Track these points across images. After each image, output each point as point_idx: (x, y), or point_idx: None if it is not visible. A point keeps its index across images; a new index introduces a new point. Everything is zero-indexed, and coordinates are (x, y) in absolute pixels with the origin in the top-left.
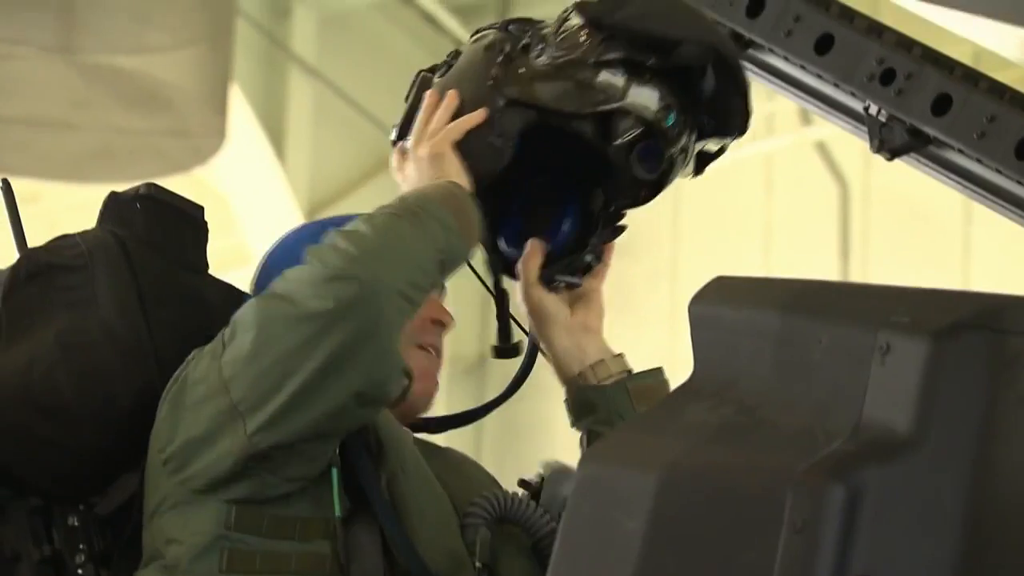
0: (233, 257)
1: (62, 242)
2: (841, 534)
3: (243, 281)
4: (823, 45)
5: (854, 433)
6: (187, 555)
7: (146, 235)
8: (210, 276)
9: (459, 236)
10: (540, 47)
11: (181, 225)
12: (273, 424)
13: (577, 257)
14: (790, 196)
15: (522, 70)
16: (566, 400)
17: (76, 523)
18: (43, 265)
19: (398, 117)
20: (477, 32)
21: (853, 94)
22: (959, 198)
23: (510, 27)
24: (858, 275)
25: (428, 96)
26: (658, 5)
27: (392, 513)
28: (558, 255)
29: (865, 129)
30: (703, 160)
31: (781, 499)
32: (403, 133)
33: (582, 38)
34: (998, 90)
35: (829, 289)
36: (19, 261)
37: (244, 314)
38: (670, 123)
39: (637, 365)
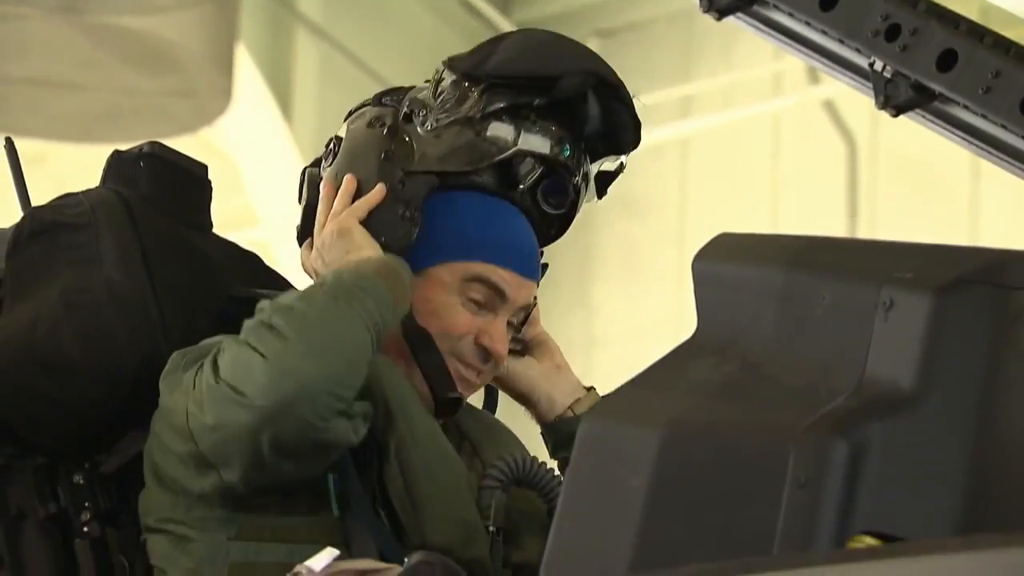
0: (239, 217)
1: (65, 200)
2: (844, 489)
3: (249, 241)
4: (828, 1)
5: (857, 389)
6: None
7: (149, 193)
8: (214, 235)
9: (393, 309)
10: (422, 113)
11: (185, 183)
12: (245, 477)
13: None
14: (797, 155)
15: (409, 139)
16: (543, 434)
17: (81, 481)
18: (47, 223)
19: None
20: (350, 114)
21: (858, 50)
22: (967, 155)
23: (384, 100)
24: (866, 233)
25: (323, 187)
26: (526, 45)
27: (378, 521)
28: None
29: (870, 85)
30: (603, 181)
31: (784, 455)
32: (304, 233)
33: (461, 94)
34: (1003, 45)
35: (832, 245)
36: (23, 220)
37: (201, 388)
38: (567, 154)
39: (646, 324)
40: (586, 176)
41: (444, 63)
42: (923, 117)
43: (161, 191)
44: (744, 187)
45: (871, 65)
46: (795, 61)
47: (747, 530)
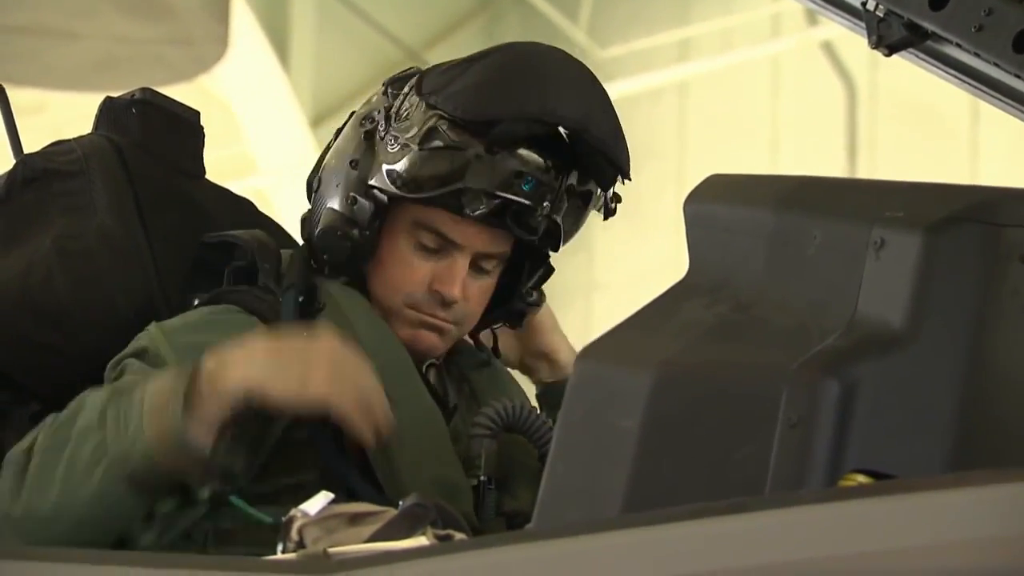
0: (237, 166)
1: (58, 148)
2: (836, 428)
3: (248, 189)
4: None
5: (848, 328)
6: None
7: (142, 140)
8: (207, 181)
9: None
10: (387, 125)
11: (177, 130)
12: None
13: (512, 307)
14: (797, 97)
15: (375, 150)
16: (538, 396)
17: None
18: (39, 171)
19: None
20: (382, 85)
21: None
22: (966, 96)
23: (390, 88)
24: (865, 175)
25: (329, 165)
26: (483, 79)
27: (363, 485)
28: (491, 311)
29: (863, 25)
30: (607, 202)
31: (776, 395)
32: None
33: (420, 116)
34: None
35: (823, 185)
36: (15, 167)
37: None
38: (528, 188)
39: (646, 269)
40: (574, 194)
41: (416, 75)
42: (917, 56)
43: (153, 137)
44: (743, 130)
45: (864, 4)
46: (793, 3)
47: (739, 470)
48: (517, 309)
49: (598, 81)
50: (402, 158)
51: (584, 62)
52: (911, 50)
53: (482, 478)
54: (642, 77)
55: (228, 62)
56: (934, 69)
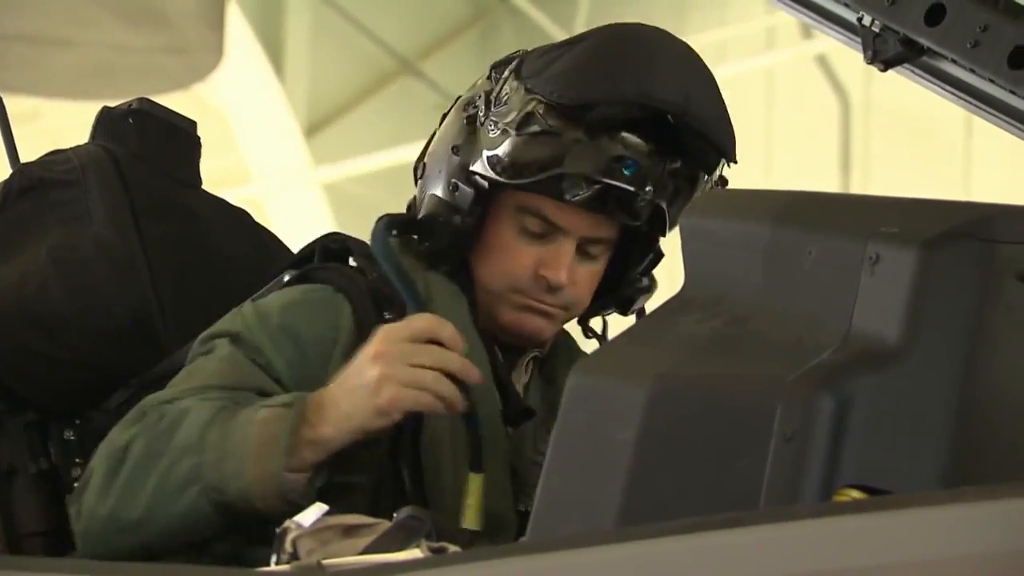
0: (232, 174)
1: (54, 157)
2: (830, 443)
3: (242, 198)
4: None
5: (843, 343)
6: None
7: (138, 150)
8: (203, 191)
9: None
10: (487, 110)
11: (174, 139)
12: None
13: (621, 293)
14: (791, 110)
15: (476, 135)
16: None
17: (72, 437)
18: (36, 180)
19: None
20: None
21: (847, 5)
22: (960, 110)
23: (494, 73)
24: (859, 189)
25: (433, 149)
26: (581, 61)
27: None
28: (601, 297)
29: (859, 40)
30: (719, 183)
31: (771, 409)
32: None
33: (516, 103)
34: None
35: (819, 200)
36: (11, 176)
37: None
38: (628, 172)
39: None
40: (677, 176)
41: (518, 58)
42: (912, 72)
43: (150, 147)
44: (737, 142)
45: (860, 20)
46: (788, 16)
47: (734, 484)
48: (627, 295)
49: (701, 60)
50: (502, 143)
51: None
52: (906, 65)
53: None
54: None
55: (223, 71)
56: (929, 85)
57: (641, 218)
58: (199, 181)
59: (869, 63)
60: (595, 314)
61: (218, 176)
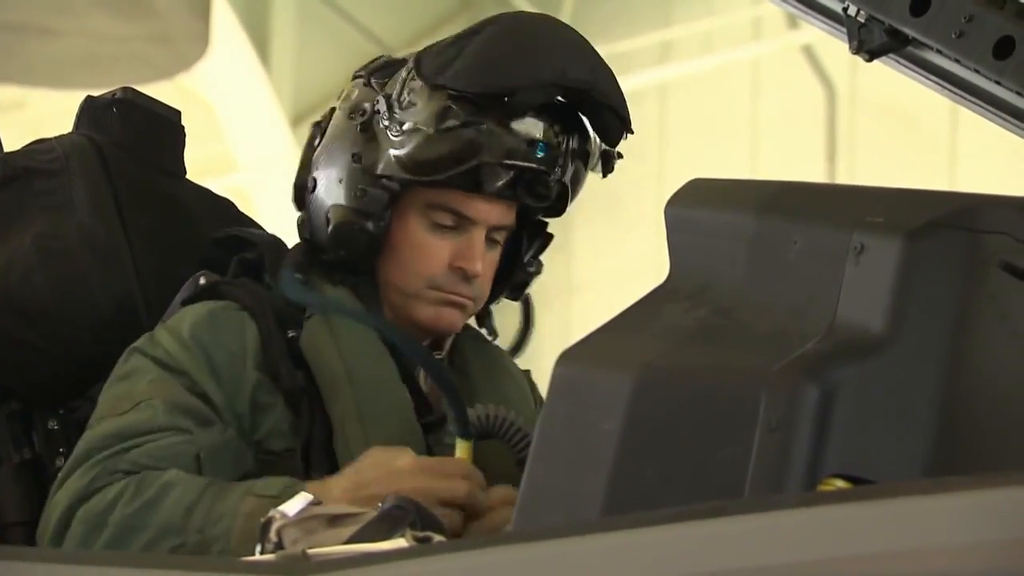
0: (217, 164)
1: (38, 146)
2: (815, 433)
3: (228, 187)
4: None
5: (828, 333)
6: None
7: (122, 139)
8: (187, 181)
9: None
10: (389, 113)
11: (157, 129)
12: None
13: (515, 278)
14: (777, 100)
15: (378, 140)
16: None
17: (56, 427)
18: (20, 169)
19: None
20: (354, 78)
21: None
22: (946, 101)
23: (373, 79)
24: (845, 179)
25: (318, 172)
26: (488, 52)
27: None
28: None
29: (844, 30)
30: (607, 159)
31: (756, 399)
32: (299, 196)
33: (424, 99)
34: None
35: (804, 190)
36: None
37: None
38: (540, 154)
39: (625, 268)
40: (577, 155)
41: (413, 58)
42: (897, 62)
43: (134, 137)
44: (723, 133)
45: (845, 10)
46: (774, 7)
47: (719, 474)
48: (520, 280)
49: (587, 41)
50: (411, 143)
51: None
52: (892, 55)
53: None
54: (623, 78)
55: (208, 60)
56: (914, 75)
57: (550, 199)
58: (183, 170)
59: (854, 53)
60: (490, 301)
61: (204, 165)
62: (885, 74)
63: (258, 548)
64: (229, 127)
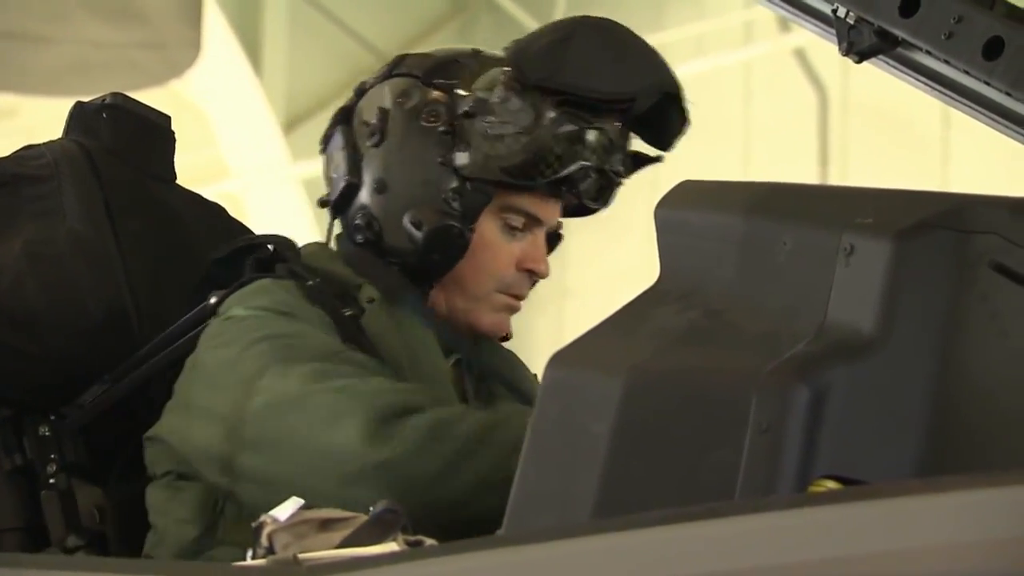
0: (209, 170)
1: (28, 152)
2: (806, 434)
3: (220, 194)
4: None
5: (819, 334)
6: None
7: (112, 145)
8: (178, 186)
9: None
10: (485, 115)
11: (148, 135)
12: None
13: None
14: (769, 104)
15: (469, 143)
16: None
17: (47, 433)
18: (9, 175)
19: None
20: (393, 74)
21: None
22: (937, 104)
23: (435, 80)
24: (837, 181)
25: (371, 171)
26: (599, 56)
27: None
28: None
29: (834, 32)
30: (639, 162)
31: (747, 401)
32: (342, 205)
33: (530, 103)
34: None
35: (793, 191)
36: None
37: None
38: (618, 163)
39: (618, 272)
40: (635, 162)
41: (510, 63)
42: (887, 63)
43: (124, 142)
44: (716, 136)
45: (834, 11)
46: (765, 10)
47: (710, 475)
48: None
49: None
50: (513, 145)
51: None
52: (881, 57)
53: None
54: None
55: (200, 67)
56: (904, 76)
57: (610, 203)
58: (174, 176)
59: (844, 55)
60: None
61: (196, 172)
62: (877, 77)
63: (249, 553)
64: (221, 133)
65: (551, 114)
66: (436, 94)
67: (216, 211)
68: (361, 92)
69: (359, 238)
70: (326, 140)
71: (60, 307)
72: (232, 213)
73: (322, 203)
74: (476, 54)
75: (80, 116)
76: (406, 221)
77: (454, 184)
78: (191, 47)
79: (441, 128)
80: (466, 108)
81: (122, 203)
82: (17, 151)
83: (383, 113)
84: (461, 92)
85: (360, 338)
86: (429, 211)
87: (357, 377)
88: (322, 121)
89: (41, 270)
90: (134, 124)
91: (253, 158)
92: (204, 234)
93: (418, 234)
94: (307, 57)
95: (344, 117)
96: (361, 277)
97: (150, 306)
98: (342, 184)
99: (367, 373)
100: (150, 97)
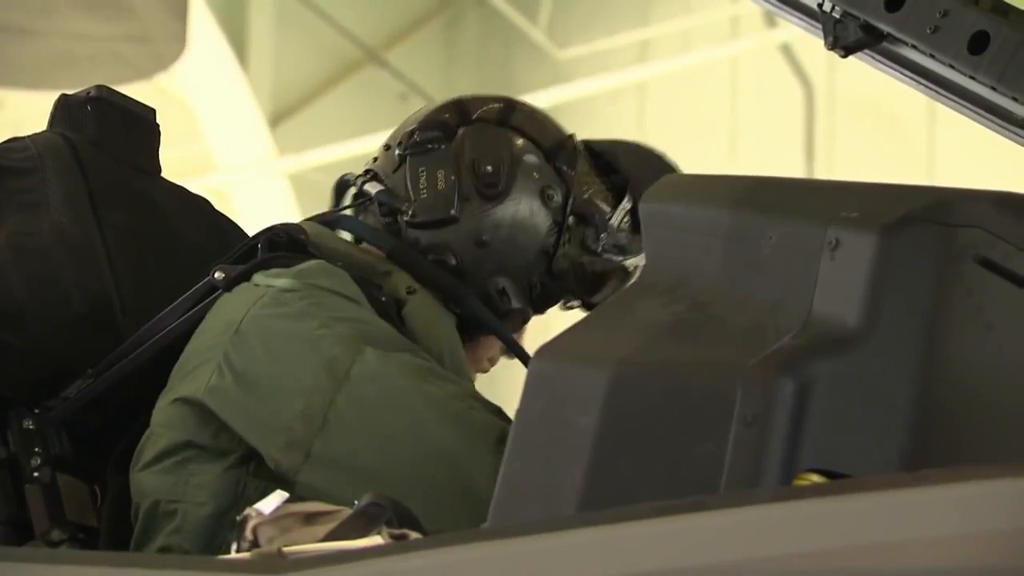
0: (195, 164)
1: (12, 144)
2: (791, 427)
3: (207, 188)
4: None
5: (804, 328)
6: None
7: (97, 137)
8: (162, 179)
9: None
10: (598, 232)
11: (132, 127)
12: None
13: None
14: (755, 99)
15: (572, 243)
16: None
17: (32, 427)
18: None
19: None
20: (510, 125)
21: None
22: (924, 99)
23: (557, 158)
24: (823, 176)
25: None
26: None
27: None
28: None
29: (820, 26)
30: None
31: (732, 394)
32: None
33: (630, 238)
34: None
35: (779, 185)
36: None
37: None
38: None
39: None
40: None
41: (634, 192)
42: (873, 58)
43: (108, 135)
44: (702, 131)
45: (820, 6)
46: (752, 5)
47: (695, 468)
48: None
49: None
50: (599, 268)
51: (543, 63)
52: (867, 51)
53: None
54: (601, 78)
55: (187, 60)
56: (890, 70)
57: None
58: (158, 168)
59: (830, 49)
60: None
61: (182, 166)
62: (863, 72)
63: (234, 547)
64: (207, 128)
65: (639, 260)
66: (556, 179)
67: (201, 204)
68: (463, 112)
69: (429, 258)
70: (420, 144)
71: (44, 300)
72: (218, 208)
73: (361, 184)
74: (572, 140)
75: (65, 109)
76: (493, 287)
77: (542, 272)
78: (177, 40)
79: (551, 218)
80: (579, 210)
81: (107, 196)
82: (1, 143)
83: (503, 168)
84: (578, 191)
85: (400, 327)
86: (516, 288)
87: (453, 383)
88: (308, 115)
89: (25, 262)
90: (119, 117)
91: (239, 152)
92: (189, 227)
93: (498, 302)
94: (293, 51)
95: (446, 134)
96: (390, 264)
97: (134, 299)
98: (438, 212)
99: (454, 377)
100: (136, 91)
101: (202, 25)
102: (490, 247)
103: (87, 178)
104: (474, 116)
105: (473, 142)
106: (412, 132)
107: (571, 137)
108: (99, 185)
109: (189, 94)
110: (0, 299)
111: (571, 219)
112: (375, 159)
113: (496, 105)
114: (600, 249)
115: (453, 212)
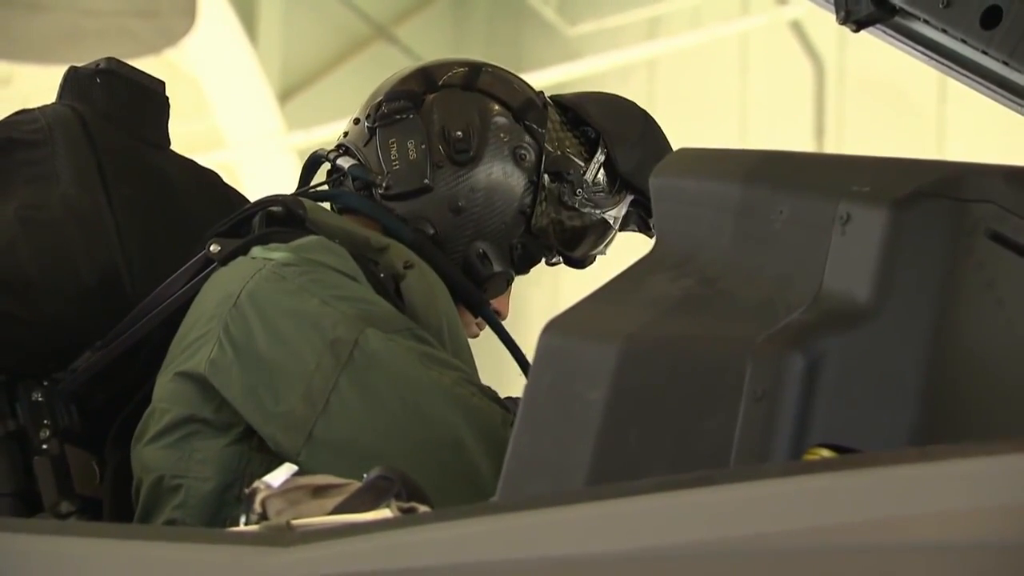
0: (204, 140)
1: (21, 117)
2: (800, 402)
3: (216, 163)
4: None
5: (814, 302)
6: None
7: (106, 110)
8: (171, 152)
9: None
10: (573, 187)
11: (141, 100)
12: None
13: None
14: (765, 76)
15: (546, 202)
16: None
17: (40, 399)
18: (3, 140)
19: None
20: (477, 88)
21: None
22: (934, 75)
23: (527, 119)
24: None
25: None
26: (657, 157)
27: None
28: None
29: (831, 1)
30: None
31: (741, 368)
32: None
33: (610, 190)
34: None
35: (790, 160)
36: None
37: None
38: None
39: (617, 247)
40: None
41: (607, 143)
42: (884, 32)
43: (118, 107)
44: (712, 108)
45: None
46: None
47: (704, 443)
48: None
49: None
50: (580, 222)
51: (553, 40)
52: (879, 26)
53: None
54: (611, 55)
55: (195, 35)
56: (901, 45)
57: None
58: (167, 142)
59: (841, 24)
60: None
61: (191, 141)
62: (873, 48)
63: (242, 519)
64: (216, 103)
65: (625, 211)
66: (528, 138)
67: (210, 177)
68: (429, 80)
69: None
70: (388, 116)
71: (53, 272)
72: (227, 181)
73: (334, 159)
74: (541, 97)
75: (74, 81)
76: (473, 251)
77: (521, 233)
78: (185, 15)
79: (526, 177)
80: (553, 168)
81: (116, 168)
82: (10, 116)
83: (473, 133)
84: (550, 149)
85: (398, 303)
86: (497, 251)
87: (454, 368)
88: (317, 91)
89: (34, 234)
90: (128, 89)
91: (248, 128)
92: (198, 200)
93: (480, 267)
94: (303, 27)
95: (414, 103)
96: (386, 239)
97: (143, 271)
98: (412, 183)
99: (455, 363)
100: (144, 66)
101: (211, 0)
102: (467, 213)
103: (96, 150)
104: (440, 82)
105: (441, 109)
106: (379, 104)
107: (540, 94)
108: (108, 158)
109: (198, 69)
110: (9, 271)
111: (546, 177)
112: (345, 133)
113: (461, 69)
114: (577, 204)
115: (427, 181)
